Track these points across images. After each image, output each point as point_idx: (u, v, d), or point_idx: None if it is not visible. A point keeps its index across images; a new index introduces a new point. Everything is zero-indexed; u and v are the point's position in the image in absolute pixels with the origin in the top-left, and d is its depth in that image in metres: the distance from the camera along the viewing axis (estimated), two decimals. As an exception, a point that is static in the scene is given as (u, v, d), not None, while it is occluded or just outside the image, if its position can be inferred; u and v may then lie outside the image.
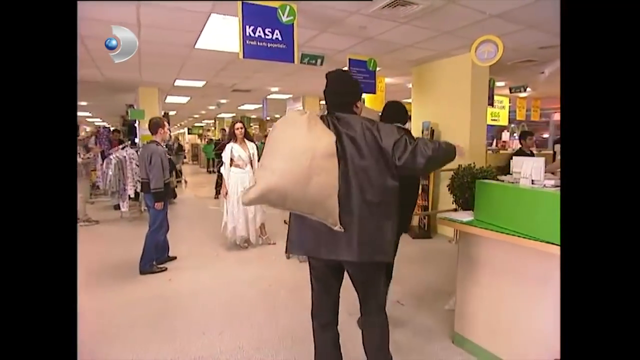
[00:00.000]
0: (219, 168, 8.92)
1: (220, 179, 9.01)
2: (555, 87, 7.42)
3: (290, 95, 9.76)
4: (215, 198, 8.86)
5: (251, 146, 4.68)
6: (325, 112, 1.80)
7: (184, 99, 10.13)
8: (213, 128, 21.00)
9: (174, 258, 4.27)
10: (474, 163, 2.94)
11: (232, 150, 4.52)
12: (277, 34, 2.98)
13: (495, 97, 6.91)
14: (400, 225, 1.85)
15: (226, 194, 4.55)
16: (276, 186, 1.51)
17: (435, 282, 3.62)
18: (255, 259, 4.33)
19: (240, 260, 4.29)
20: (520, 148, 5.31)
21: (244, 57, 2.88)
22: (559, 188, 1.96)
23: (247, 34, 2.87)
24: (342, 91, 1.80)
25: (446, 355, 2.40)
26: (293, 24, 3.05)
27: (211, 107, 12.55)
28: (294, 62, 3.09)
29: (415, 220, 5.83)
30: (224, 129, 10.05)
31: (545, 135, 13.47)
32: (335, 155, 1.58)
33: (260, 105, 11.70)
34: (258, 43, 2.91)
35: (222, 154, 4.61)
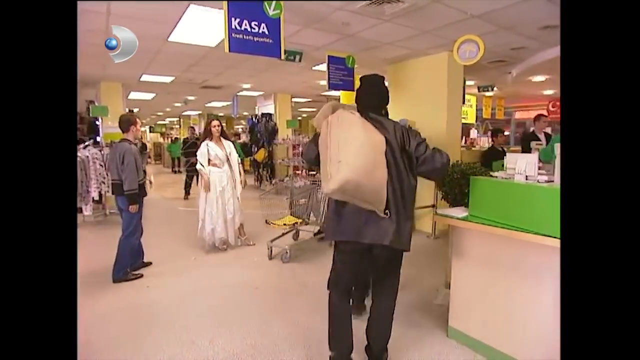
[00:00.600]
0: (188, 168, 8.66)
1: (190, 179, 8.75)
2: (519, 87, 7.82)
3: (262, 93, 9.59)
4: (184, 199, 8.56)
5: (227, 145, 4.54)
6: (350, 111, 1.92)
7: (149, 96, 9.67)
8: (177, 126, 20.25)
9: (149, 264, 4.06)
10: (460, 160, 3.02)
11: (208, 148, 4.35)
12: (263, 28, 2.89)
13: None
14: None
15: (208, 189, 4.35)
16: (352, 178, 1.70)
17: (420, 278, 3.68)
18: (237, 261, 4.21)
19: (221, 263, 4.15)
20: (492, 145, 5.52)
21: (229, 51, 2.77)
22: (551, 183, 2.04)
23: (233, 26, 2.76)
24: (377, 94, 2.02)
25: (442, 349, 2.43)
26: (279, 17, 2.97)
27: (177, 104, 12.08)
28: (280, 57, 3.01)
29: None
30: (192, 127, 9.68)
31: (507, 133, 14.19)
32: (384, 151, 1.80)
33: (229, 103, 11.43)
34: (244, 37, 2.81)
35: (197, 153, 4.42)
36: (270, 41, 2.94)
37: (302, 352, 2.42)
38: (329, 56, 4.81)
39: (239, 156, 10.90)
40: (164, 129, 21.37)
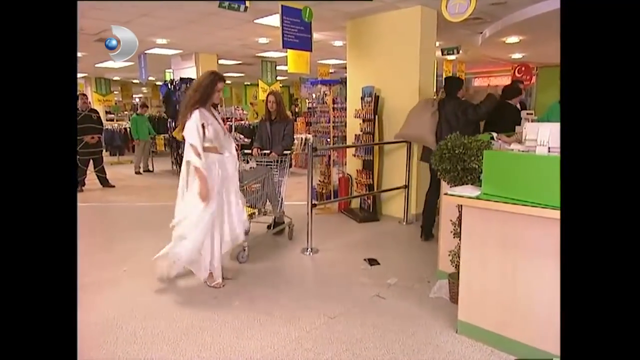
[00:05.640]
0: (81, 149, 7.84)
1: (84, 164, 7.93)
2: (486, 49, 8.36)
3: (180, 51, 9.01)
4: (78, 191, 7.85)
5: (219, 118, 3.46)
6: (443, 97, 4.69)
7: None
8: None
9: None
10: (457, 132, 3.16)
11: (203, 123, 3.18)
12: (223, -36, 2.70)
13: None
14: None
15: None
16: (403, 132, 4.77)
17: (405, 268, 3.86)
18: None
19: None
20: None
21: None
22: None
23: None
24: (453, 88, 4.49)
25: (454, 347, 2.58)
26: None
27: (56, 64, 10.84)
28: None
29: (356, 203, 6.07)
30: (83, 94, 8.74)
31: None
32: (435, 116, 4.44)
33: (130, 63, 10.55)
34: (200, -27, 2.59)
35: (186, 132, 3.15)
36: (233, -19, 2.76)
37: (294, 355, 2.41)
38: (282, 6, 4.66)
39: (149, 133, 10.27)
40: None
